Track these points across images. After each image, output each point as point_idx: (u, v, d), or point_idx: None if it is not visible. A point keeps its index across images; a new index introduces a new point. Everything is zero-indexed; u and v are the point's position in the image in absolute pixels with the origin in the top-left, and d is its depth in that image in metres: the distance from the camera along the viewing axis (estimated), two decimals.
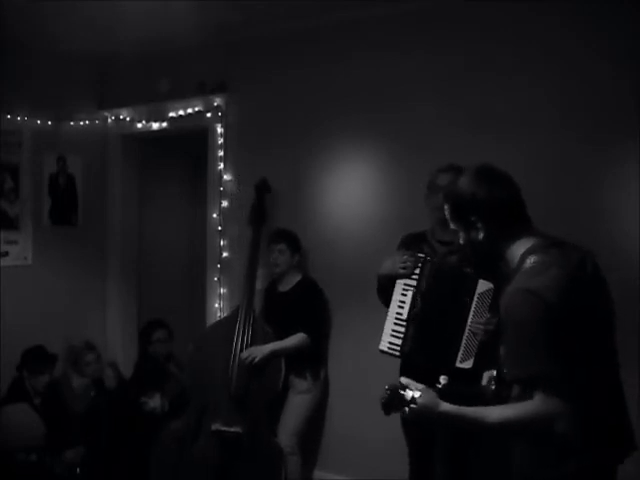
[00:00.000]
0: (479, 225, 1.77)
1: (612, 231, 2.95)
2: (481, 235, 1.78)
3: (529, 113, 3.16)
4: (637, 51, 2.86)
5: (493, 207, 1.76)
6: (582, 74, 3.03)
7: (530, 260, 1.69)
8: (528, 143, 3.16)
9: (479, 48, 3.30)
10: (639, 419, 2.02)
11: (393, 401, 1.71)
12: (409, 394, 1.69)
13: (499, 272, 1.88)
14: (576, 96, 3.04)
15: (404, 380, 1.76)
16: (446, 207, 1.88)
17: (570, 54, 3.05)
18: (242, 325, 3.62)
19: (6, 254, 4.28)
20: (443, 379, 1.80)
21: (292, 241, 3.72)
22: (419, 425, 1.85)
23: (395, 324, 2.79)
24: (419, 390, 1.71)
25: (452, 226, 1.87)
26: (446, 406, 1.68)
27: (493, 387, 1.91)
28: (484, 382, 2.02)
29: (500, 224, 1.77)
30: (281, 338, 3.55)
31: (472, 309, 2.64)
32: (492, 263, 1.87)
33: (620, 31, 2.92)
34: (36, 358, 3.89)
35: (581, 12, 3.01)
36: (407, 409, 1.69)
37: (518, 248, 1.75)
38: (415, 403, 1.68)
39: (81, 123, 4.69)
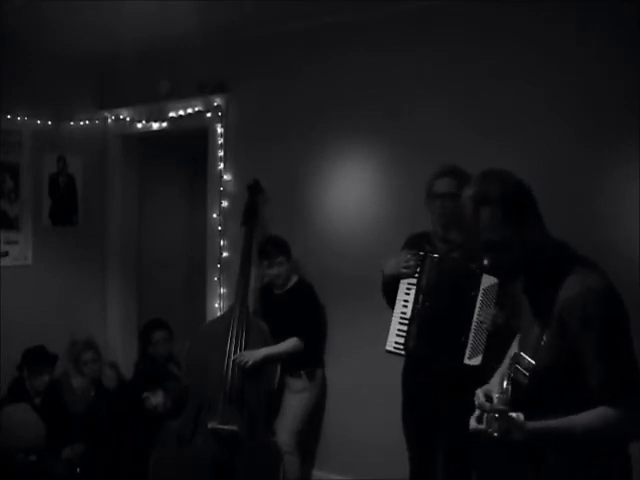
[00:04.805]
0: (526, 223, 1.71)
1: (612, 231, 2.94)
2: (525, 234, 1.70)
3: (529, 113, 3.16)
4: (637, 51, 2.86)
5: (531, 203, 1.76)
6: (582, 74, 3.02)
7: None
8: (528, 143, 3.15)
9: (479, 48, 3.30)
10: None
11: (507, 427, 1.52)
12: (521, 416, 1.53)
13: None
14: (576, 96, 3.04)
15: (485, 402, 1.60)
16: (488, 210, 1.66)
17: (570, 54, 3.05)
18: (236, 324, 3.63)
19: (6, 254, 4.28)
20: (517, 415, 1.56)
21: (287, 251, 3.70)
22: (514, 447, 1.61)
23: (400, 323, 2.80)
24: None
25: (492, 234, 1.66)
26: (531, 423, 1.57)
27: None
28: (498, 392, 1.72)
29: (533, 219, 1.74)
30: (276, 337, 3.57)
31: (478, 304, 2.64)
32: (531, 263, 1.74)
33: (620, 31, 2.92)
34: (36, 358, 3.89)
35: (581, 12, 3.01)
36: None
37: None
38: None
39: (81, 123, 4.69)
